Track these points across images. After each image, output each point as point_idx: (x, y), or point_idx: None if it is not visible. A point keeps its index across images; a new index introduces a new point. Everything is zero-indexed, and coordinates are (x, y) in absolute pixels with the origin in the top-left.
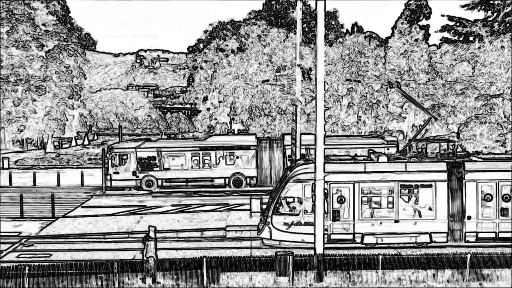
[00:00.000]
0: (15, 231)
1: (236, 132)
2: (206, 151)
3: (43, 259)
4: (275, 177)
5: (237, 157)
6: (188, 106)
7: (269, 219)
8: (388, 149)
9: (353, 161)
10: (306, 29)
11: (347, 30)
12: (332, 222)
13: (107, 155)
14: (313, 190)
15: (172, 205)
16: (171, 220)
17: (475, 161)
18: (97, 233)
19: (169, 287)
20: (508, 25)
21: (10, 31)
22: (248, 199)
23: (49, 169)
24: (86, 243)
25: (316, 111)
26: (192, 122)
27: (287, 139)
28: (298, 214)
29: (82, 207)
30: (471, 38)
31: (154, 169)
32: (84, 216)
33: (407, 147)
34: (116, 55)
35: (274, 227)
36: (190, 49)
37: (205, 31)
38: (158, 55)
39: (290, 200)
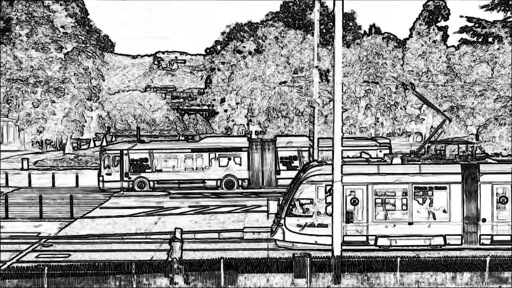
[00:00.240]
0: (35, 231)
1: (253, 133)
2: (198, 153)
3: (62, 259)
4: (267, 179)
5: (229, 159)
6: (205, 107)
7: (282, 221)
8: (380, 151)
9: (366, 163)
10: (324, 30)
11: (364, 31)
12: (346, 224)
13: (100, 156)
14: (327, 192)
15: (190, 206)
16: (188, 221)
17: (490, 163)
18: (115, 233)
19: (186, 287)
20: None
21: (29, 33)
22: (265, 201)
23: (67, 170)
24: (104, 244)
25: (334, 112)
26: (209, 123)
27: (279, 141)
28: (311, 216)
29: (101, 208)
30: (490, 39)
31: (146, 170)
32: (102, 216)
33: (422, 149)
34: (134, 57)
35: (287, 228)
36: (208, 51)
37: (223, 33)
38: (176, 57)
39: (303, 201)
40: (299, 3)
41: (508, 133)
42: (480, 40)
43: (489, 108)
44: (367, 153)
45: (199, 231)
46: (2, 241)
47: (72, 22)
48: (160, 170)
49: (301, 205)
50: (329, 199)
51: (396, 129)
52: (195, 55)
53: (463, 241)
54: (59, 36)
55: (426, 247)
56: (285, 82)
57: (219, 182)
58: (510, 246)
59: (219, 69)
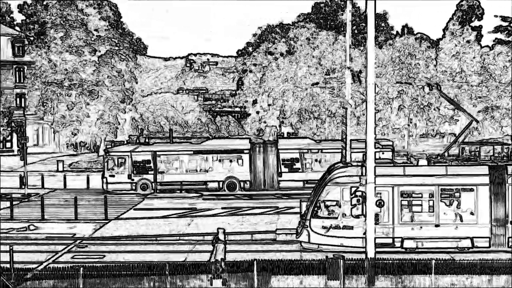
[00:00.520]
0: (70, 232)
1: (285, 135)
2: (201, 155)
3: (96, 260)
4: (269, 181)
5: (231, 161)
6: (237, 109)
7: (307, 223)
8: (383, 153)
9: (392, 164)
10: (356, 31)
11: (397, 32)
12: None
13: (103, 158)
14: (352, 194)
15: (222, 208)
16: (221, 223)
17: None
18: (149, 235)
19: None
20: None
21: (64, 36)
22: (297, 202)
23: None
24: (138, 245)
25: (367, 113)
26: (241, 125)
27: (281, 143)
28: (336, 218)
29: (134, 209)
30: None
31: (149, 172)
32: (136, 218)
33: (449, 150)
34: (166, 59)
35: (312, 230)
36: (239, 53)
37: (254, 35)
38: (208, 59)
39: (329, 203)
40: (330, 4)
41: None
42: None
43: None
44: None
45: (231, 233)
46: (38, 242)
47: (106, 25)
48: (163, 172)
49: (326, 207)
50: (354, 201)
51: (429, 130)
52: (227, 57)
53: (491, 243)
54: (92, 39)
55: (453, 250)
56: (317, 83)
57: (221, 184)
58: None
59: (251, 71)
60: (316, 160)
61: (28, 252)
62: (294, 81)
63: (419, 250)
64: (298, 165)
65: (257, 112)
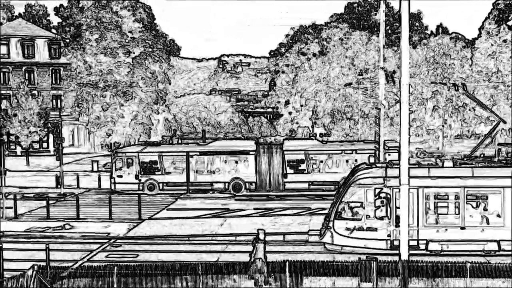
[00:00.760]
0: (104, 231)
1: (318, 136)
2: (206, 156)
3: (130, 259)
4: (274, 183)
5: (237, 162)
6: (270, 110)
7: (331, 224)
8: (389, 154)
9: (416, 166)
10: (389, 31)
11: (431, 31)
12: (395, 228)
13: (111, 159)
14: (376, 195)
15: (255, 209)
16: (253, 224)
17: None
18: (181, 235)
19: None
20: None
21: (99, 38)
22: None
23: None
24: (171, 245)
25: (401, 114)
26: (274, 126)
27: (287, 145)
28: (360, 219)
29: (168, 209)
30: None
31: (156, 173)
32: (169, 218)
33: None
34: (199, 61)
35: (336, 231)
36: (272, 53)
37: (287, 35)
38: (240, 60)
39: (352, 205)
40: (364, 4)
41: None
42: None
43: None
44: (375, 157)
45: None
46: (74, 240)
47: (140, 27)
48: (169, 173)
49: (350, 208)
50: (378, 203)
51: (464, 131)
52: (259, 57)
53: None
54: (127, 41)
55: (479, 253)
56: (350, 83)
57: (226, 184)
58: None
59: (283, 72)
60: (322, 162)
61: (63, 251)
62: (326, 81)
63: (445, 253)
64: (303, 166)
65: (290, 113)
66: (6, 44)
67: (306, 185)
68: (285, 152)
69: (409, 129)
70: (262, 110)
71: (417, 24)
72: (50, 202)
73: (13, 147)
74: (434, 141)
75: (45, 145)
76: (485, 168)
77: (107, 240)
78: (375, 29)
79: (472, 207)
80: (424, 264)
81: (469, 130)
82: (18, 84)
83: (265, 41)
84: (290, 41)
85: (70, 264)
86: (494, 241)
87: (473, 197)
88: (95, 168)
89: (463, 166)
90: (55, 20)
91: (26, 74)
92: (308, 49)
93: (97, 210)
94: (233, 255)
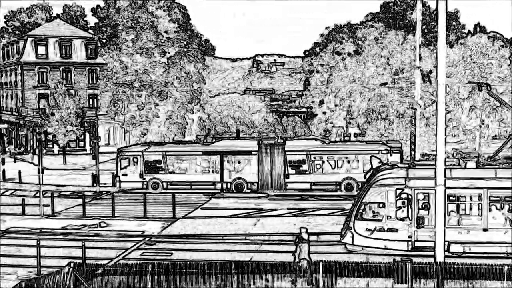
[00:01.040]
0: (139, 230)
1: (352, 136)
2: (209, 156)
3: (164, 257)
4: (276, 183)
5: (239, 162)
6: (304, 110)
7: (351, 224)
8: (391, 155)
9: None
10: (425, 30)
11: (468, 30)
12: (417, 229)
13: (116, 157)
14: (397, 196)
15: (288, 208)
16: (287, 223)
17: None
18: (215, 234)
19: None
20: None
21: (135, 39)
22: None
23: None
24: (204, 244)
25: (437, 114)
26: (308, 126)
27: (289, 145)
28: (381, 220)
29: (201, 208)
30: None
31: (160, 172)
32: (203, 217)
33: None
34: (233, 60)
35: (356, 232)
36: (306, 53)
37: (321, 35)
38: (275, 60)
39: (373, 205)
40: (400, 3)
41: None
42: None
43: None
44: (377, 157)
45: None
46: (109, 238)
47: (175, 27)
48: (173, 172)
49: (371, 209)
50: (399, 203)
51: (502, 131)
52: (294, 57)
53: None
54: (162, 41)
55: (502, 255)
56: (385, 83)
57: (229, 184)
58: None
59: (317, 71)
60: (324, 162)
61: (99, 249)
62: (361, 81)
63: (466, 255)
64: (305, 166)
65: (324, 113)
66: (44, 45)
67: (308, 186)
68: (287, 153)
69: (445, 129)
70: (296, 110)
71: (454, 23)
72: (86, 200)
73: (50, 146)
74: (470, 141)
75: (81, 144)
76: (509, 169)
77: (141, 239)
78: (411, 28)
79: (495, 208)
80: (460, 266)
81: (507, 131)
82: (55, 83)
83: (299, 41)
84: (325, 41)
85: (105, 261)
86: None
87: (496, 198)
88: None
89: (486, 167)
90: (92, 20)
91: (64, 74)
92: (343, 48)
93: (132, 208)
94: (266, 255)
